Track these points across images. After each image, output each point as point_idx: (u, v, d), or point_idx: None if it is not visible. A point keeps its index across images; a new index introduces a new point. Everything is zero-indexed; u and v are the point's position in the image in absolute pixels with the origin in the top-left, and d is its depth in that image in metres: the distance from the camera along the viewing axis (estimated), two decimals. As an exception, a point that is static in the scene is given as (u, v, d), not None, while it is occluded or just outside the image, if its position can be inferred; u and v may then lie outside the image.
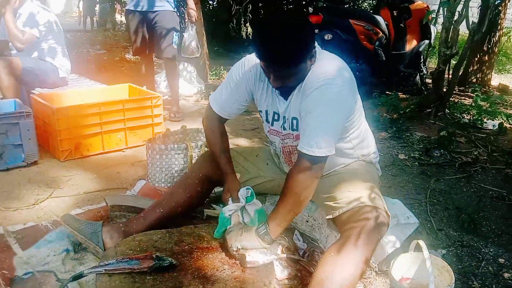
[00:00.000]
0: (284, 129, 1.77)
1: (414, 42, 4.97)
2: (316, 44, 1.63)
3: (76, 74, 4.09)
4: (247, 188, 1.79)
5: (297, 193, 1.54)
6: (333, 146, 1.57)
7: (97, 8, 14.24)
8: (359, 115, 1.79)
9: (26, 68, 3.33)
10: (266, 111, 1.80)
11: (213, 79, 5.73)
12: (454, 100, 4.91)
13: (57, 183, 2.53)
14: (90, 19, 13.59)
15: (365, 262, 1.46)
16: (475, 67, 6.10)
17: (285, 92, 1.68)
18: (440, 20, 4.40)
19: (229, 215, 1.76)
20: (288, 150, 1.83)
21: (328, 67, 1.61)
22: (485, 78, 6.12)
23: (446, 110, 4.15)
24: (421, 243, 1.48)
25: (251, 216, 1.77)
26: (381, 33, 4.81)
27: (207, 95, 4.88)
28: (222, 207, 1.83)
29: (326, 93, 1.54)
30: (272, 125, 1.81)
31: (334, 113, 1.56)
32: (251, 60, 1.77)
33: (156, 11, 3.72)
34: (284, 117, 1.74)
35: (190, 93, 4.91)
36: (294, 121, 1.71)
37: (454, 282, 1.47)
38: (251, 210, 1.78)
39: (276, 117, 1.78)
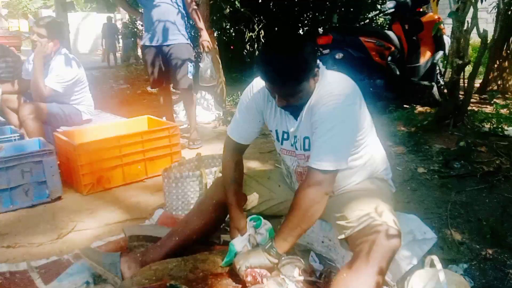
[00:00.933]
0: (296, 148, 1.79)
1: (428, 54, 4.94)
2: (320, 63, 1.68)
3: (99, 109, 4.25)
4: (251, 219, 1.82)
5: (305, 208, 1.56)
6: (344, 160, 1.60)
7: (120, 44, 14.83)
8: (370, 131, 1.80)
9: (51, 112, 3.47)
10: (276, 131, 1.84)
11: (231, 105, 5.83)
12: (474, 109, 4.82)
13: (79, 217, 2.62)
14: (113, 55, 14.14)
15: (380, 281, 1.44)
16: (495, 74, 5.99)
17: (294, 111, 1.72)
18: (449, 30, 4.37)
19: (241, 248, 1.77)
20: (300, 171, 1.85)
21: (334, 85, 1.65)
22: (507, 84, 5.99)
23: (465, 119, 4.07)
24: (434, 257, 1.46)
25: (264, 235, 1.79)
26: (393, 47, 4.81)
27: (225, 121, 4.96)
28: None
29: (334, 109, 1.59)
30: (282, 144, 1.85)
31: (343, 128, 1.59)
32: (259, 82, 1.83)
33: (170, 44, 3.86)
34: (295, 137, 1.77)
35: (208, 120, 5.01)
36: (306, 141, 1.73)
37: (472, 297, 1.43)
38: (263, 231, 1.80)
39: (285, 136, 1.81)
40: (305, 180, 1.62)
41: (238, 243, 1.77)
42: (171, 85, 4.24)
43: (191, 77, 3.94)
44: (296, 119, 1.74)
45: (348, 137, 1.63)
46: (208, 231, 2.02)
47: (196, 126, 4.13)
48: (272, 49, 1.61)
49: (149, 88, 7.50)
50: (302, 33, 8.73)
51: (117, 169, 3.09)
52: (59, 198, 2.87)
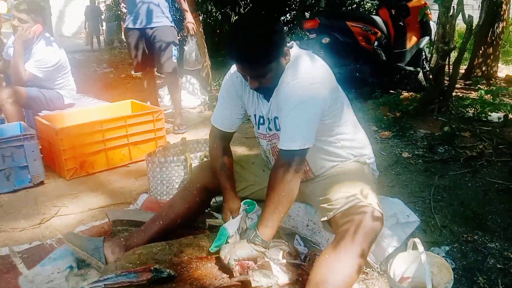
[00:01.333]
0: (270, 130, 1.80)
1: (414, 40, 4.94)
2: (294, 44, 1.67)
3: (81, 93, 4.17)
4: (244, 203, 1.81)
5: (278, 190, 1.56)
6: (309, 139, 1.59)
7: (104, 27, 14.53)
8: (345, 113, 1.79)
9: (30, 96, 3.38)
10: (254, 115, 1.84)
11: (217, 90, 5.78)
12: (459, 94, 4.86)
13: (62, 202, 2.58)
14: (97, 38, 13.86)
15: (361, 262, 1.45)
16: (480, 60, 6.04)
17: (266, 93, 1.73)
18: (435, 16, 4.37)
19: (233, 232, 1.75)
20: (277, 151, 1.83)
21: (301, 66, 1.65)
22: (491, 71, 6.05)
23: (450, 105, 4.10)
24: (417, 240, 1.47)
25: (254, 220, 1.78)
26: (379, 32, 4.80)
27: (211, 106, 4.92)
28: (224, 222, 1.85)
29: (295, 89, 1.59)
30: (258, 128, 1.85)
31: (304, 107, 1.59)
32: (235, 70, 1.82)
33: (154, 27, 3.78)
34: (268, 119, 1.78)
35: (193, 105, 4.96)
36: (277, 120, 1.74)
37: (453, 279, 1.45)
38: (255, 216, 1.80)
39: (261, 121, 1.81)
40: (275, 162, 1.63)
41: (230, 226, 1.76)
42: (155, 69, 4.18)
43: (175, 61, 3.88)
44: (268, 101, 1.75)
45: (311, 116, 1.60)
46: (192, 215, 2.01)
47: (181, 111, 4.09)
48: (239, 29, 1.62)
49: (133, 72, 7.39)
50: (287, 17, 8.65)
51: (101, 153, 3.05)
52: (41, 183, 2.83)
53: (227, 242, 1.70)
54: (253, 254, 1.57)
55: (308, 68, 1.65)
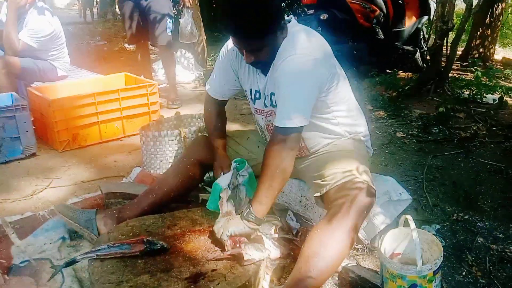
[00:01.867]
0: (266, 106, 1.78)
1: (413, 19, 4.89)
2: (292, 18, 1.66)
3: (74, 66, 4.10)
4: (235, 161, 1.82)
5: (273, 167, 1.54)
6: (305, 116, 1.57)
7: (97, -1, 14.18)
8: (342, 90, 1.77)
9: (24, 67, 3.32)
10: (250, 90, 1.83)
11: (212, 65, 5.71)
12: (455, 76, 4.85)
13: (55, 174, 2.57)
14: (90, 10, 13.56)
15: (352, 237, 1.46)
16: (477, 42, 6.01)
17: (263, 68, 1.70)
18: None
19: (226, 185, 1.75)
20: (272, 128, 1.82)
21: (298, 40, 1.62)
22: (488, 53, 6.03)
23: (446, 86, 4.10)
24: (408, 217, 1.48)
25: (246, 176, 1.78)
26: (378, 10, 4.74)
27: (205, 81, 4.85)
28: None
29: (292, 64, 1.56)
30: (254, 103, 1.83)
31: (301, 83, 1.57)
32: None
33: (148, -2, 3.70)
34: (264, 94, 1.76)
35: (188, 80, 4.90)
36: (273, 97, 1.72)
37: (443, 255, 1.47)
38: (246, 173, 1.80)
39: (257, 96, 1.80)
40: (270, 139, 1.61)
41: (223, 180, 1.77)
42: (149, 42, 4.10)
43: (170, 34, 3.81)
44: (266, 76, 1.73)
45: (307, 92, 1.58)
46: (185, 189, 2.01)
47: (175, 86, 4.04)
48: (234, 2, 1.58)
49: (126, 45, 7.28)
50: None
51: (94, 126, 3.02)
52: (33, 155, 2.80)
53: (220, 198, 1.69)
54: (246, 230, 1.56)
55: (305, 43, 1.62)
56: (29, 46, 3.27)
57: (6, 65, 3.21)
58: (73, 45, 6.96)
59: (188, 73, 4.98)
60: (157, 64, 4.97)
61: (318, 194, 1.67)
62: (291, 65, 1.56)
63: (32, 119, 2.84)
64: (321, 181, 1.67)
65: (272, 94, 1.71)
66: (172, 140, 2.41)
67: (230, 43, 1.81)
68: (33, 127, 2.81)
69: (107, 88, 3.22)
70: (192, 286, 1.37)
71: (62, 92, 3.21)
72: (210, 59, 5.79)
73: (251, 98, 1.84)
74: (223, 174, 1.81)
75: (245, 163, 1.84)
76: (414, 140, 3.10)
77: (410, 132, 3.25)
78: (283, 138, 1.55)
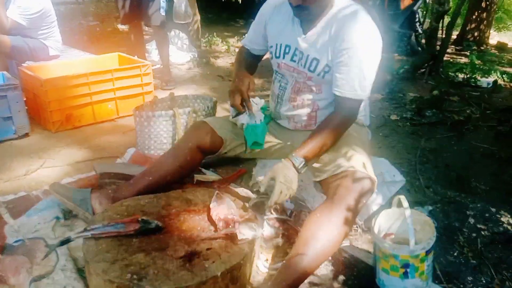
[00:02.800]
0: (298, 65, 1.77)
1: (409, 1, 4.85)
2: None
3: (66, 46, 4.03)
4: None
5: (335, 133, 1.64)
6: (370, 89, 1.69)
7: (88, -23, 13.89)
8: None
9: (15, 45, 3.27)
10: (280, 45, 1.81)
11: (206, 46, 5.65)
12: (450, 59, 4.84)
13: (48, 154, 2.55)
14: (82, -11, 13.28)
15: (348, 223, 1.48)
16: (473, 25, 5.99)
17: (307, 20, 1.70)
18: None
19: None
20: (298, 87, 1.83)
21: (361, 16, 1.63)
22: (483, 36, 6.02)
23: (440, 69, 4.09)
24: (402, 197, 1.49)
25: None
26: (374, -8, 4.70)
27: (200, 63, 4.82)
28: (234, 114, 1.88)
29: (366, 39, 1.61)
30: (283, 58, 1.81)
31: (372, 59, 1.64)
32: None
33: (142, -24, 3.63)
34: (301, 53, 1.75)
35: (182, 61, 4.85)
36: (314, 62, 1.72)
37: (435, 236, 1.49)
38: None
39: (287, 50, 1.79)
40: (338, 107, 1.68)
41: (244, 119, 1.85)
42: (143, 22, 4.04)
43: (163, 14, 3.75)
44: (304, 33, 1.72)
45: (375, 65, 1.66)
46: (182, 174, 1.99)
47: (169, 67, 4.00)
48: None
49: (119, 26, 7.16)
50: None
51: (87, 107, 2.99)
52: (26, 135, 2.78)
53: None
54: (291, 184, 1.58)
55: (369, 18, 1.64)
56: (18, 24, 3.21)
57: None
58: (65, 26, 6.82)
59: (182, 54, 4.93)
60: (150, 45, 4.90)
61: (317, 179, 1.67)
62: (366, 40, 1.61)
63: (25, 99, 2.80)
64: (321, 165, 1.67)
65: (315, 59, 1.71)
66: (167, 120, 2.39)
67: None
68: (26, 108, 2.78)
69: (100, 69, 3.18)
70: (187, 264, 1.38)
71: (54, 72, 3.16)
72: (205, 40, 5.72)
73: (278, 54, 1.83)
74: (248, 113, 1.84)
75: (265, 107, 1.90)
76: (408, 123, 3.11)
77: (404, 115, 3.26)
78: (354, 108, 1.67)
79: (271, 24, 1.85)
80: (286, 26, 1.78)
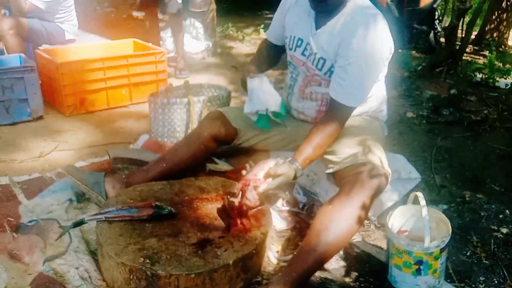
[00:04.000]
0: (307, 59, 1.77)
1: (429, -1, 4.78)
2: None
3: (82, 30, 4.04)
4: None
5: (329, 137, 1.63)
6: (365, 98, 1.71)
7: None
8: (384, 71, 1.79)
9: (32, 28, 3.28)
10: (293, 37, 1.81)
11: (221, 36, 5.63)
12: (468, 59, 4.77)
13: (62, 137, 2.56)
14: (98, -24, 13.31)
15: (361, 216, 1.46)
16: (492, 26, 5.87)
17: (322, 15, 1.69)
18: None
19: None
20: (308, 80, 1.82)
21: (371, 19, 1.60)
22: (502, 37, 5.89)
23: (459, 68, 4.03)
24: (419, 194, 1.47)
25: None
26: (394, -12, 4.63)
27: (214, 52, 4.80)
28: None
29: (371, 47, 1.59)
30: (294, 50, 1.81)
31: (374, 69, 1.65)
32: None
33: (160, -37, 3.62)
34: (311, 49, 1.74)
35: (196, 50, 4.82)
36: (321, 61, 1.72)
37: (450, 233, 1.47)
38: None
39: (299, 43, 1.79)
40: (329, 111, 1.68)
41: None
42: (159, 9, 4.02)
43: (180, 1, 3.73)
44: (316, 29, 1.71)
45: (375, 77, 1.67)
46: (195, 163, 1.99)
47: (183, 55, 3.99)
48: None
49: (134, 13, 7.15)
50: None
51: (101, 92, 3.00)
52: (40, 117, 2.80)
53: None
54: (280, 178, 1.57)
55: (379, 23, 1.61)
56: (36, 7, 3.22)
57: (14, 26, 3.17)
58: (80, 11, 6.84)
59: (197, 43, 4.90)
60: (165, 33, 4.88)
61: (330, 171, 1.66)
62: (371, 49, 1.59)
63: (40, 82, 2.82)
64: (335, 157, 1.66)
65: (321, 58, 1.71)
66: (181, 108, 2.39)
67: None
68: (41, 90, 2.79)
69: (116, 54, 3.18)
70: (199, 251, 1.38)
71: (70, 56, 3.18)
72: (220, 30, 5.69)
73: (291, 46, 1.83)
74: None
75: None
76: (424, 121, 3.07)
77: (421, 113, 3.21)
78: (343, 114, 1.65)
79: (289, 14, 1.84)
80: (302, 19, 1.77)
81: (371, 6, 1.67)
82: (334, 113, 1.65)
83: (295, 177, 1.60)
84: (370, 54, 1.59)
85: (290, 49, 1.84)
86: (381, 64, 1.66)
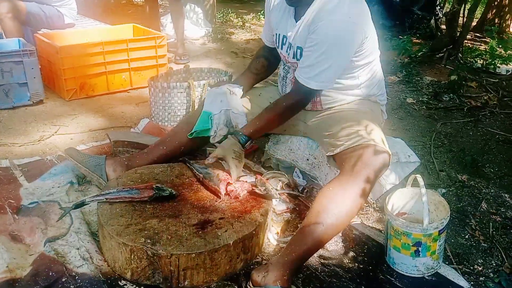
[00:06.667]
0: (289, 55, 1.77)
1: (430, -17, 4.74)
2: None
3: (81, 15, 4.01)
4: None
5: (282, 111, 1.71)
6: (332, 81, 1.66)
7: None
8: (371, 52, 1.75)
9: (30, 12, 3.26)
10: (278, 35, 1.81)
11: (220, 22, 5.59)
12: (468, 45, 4.74)
13: (62, 121, 2.56)
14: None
15: (362, 196, 1.46)
16: (494, 12, 5.83)
17: (298, 11, 1.68)
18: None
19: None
20: (292, 78, 1.80)
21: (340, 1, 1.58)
22: (504, 24, 5.86)
23: (459, 54, 4.01)
24: (418, 176, 1.48)
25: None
26: (395, -28, 4.59)
27: (215, 38, 4.78)
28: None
29: (332, 29, 1.57)
30: (281, 48, 1.81)
31: (337, 51, 1.60)
32: None
33: None
34: (290, 44, 1.73)
35: (196, 36, 4.80)
36: (299, 51, 1.70)
37: (449, 215, 1.48)
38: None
39: (284, 41, 1.78)
40: (292, 90, 1.72)
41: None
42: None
43: (180, -14, 3.70)
44: (296, 21, 1.69)
45: (340, 60, 1.64)
46: (196, 145, 1.99)
47: (183, 40, 3.97)
48: None
49: (135, -1, 7.11)
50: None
51: (101, 77, 2.99)
52: (40, 102, 2.79)
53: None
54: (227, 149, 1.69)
55: (347, 6, 1.58)
56: None
57: (12, 9, 3.15)
58: (79, -4, 6.81)
59: (197, 29, 4.88)
60: (165, 18, 4.85)
61: (331, 153, 1.66)
62: (330, 29, 1.56)
63: (39, 66, 2.81)
64: (335, 140, 1.66)
65: (299, 48, 1.69)
66: (181, 92, 2.39)
67: None
68: (40, 74, 2.78)
69: (115, 39, 3.16)
70: (200, 231, 1.39)
71: (69, 40, 3.16)
72: (219, 16, 5.66)
73: (278, 43, 1.83)
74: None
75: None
76: (424, 107, 3.07)
77: (420, 99, 3.21)
78: (304, 96, 1.69)
79: (273, 13, 1.83)
80: (283, 16, 1.77)
81: None
82: (296, 92, 1.69)
83: (242, 146, 1.69)
84: (334, 37, 1.57)
85: (278, 47, 1.85)
86: (348, 49, 1.62)
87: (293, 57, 1.74)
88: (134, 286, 1.36)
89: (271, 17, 1.84)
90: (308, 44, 1.62)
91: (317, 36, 1.58)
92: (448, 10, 4.31)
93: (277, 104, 1.71)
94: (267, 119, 1.72)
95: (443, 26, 5.07)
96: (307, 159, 2.05)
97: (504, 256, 1.62)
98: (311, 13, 1.63)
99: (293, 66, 1.78)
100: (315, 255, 1.51)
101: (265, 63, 1.98)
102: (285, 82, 1.89)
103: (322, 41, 1.57)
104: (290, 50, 1.75)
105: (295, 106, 1.70)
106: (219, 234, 1.39)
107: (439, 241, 1.47)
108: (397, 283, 1.47)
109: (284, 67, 1.90)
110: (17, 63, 2.64)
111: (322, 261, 1.54)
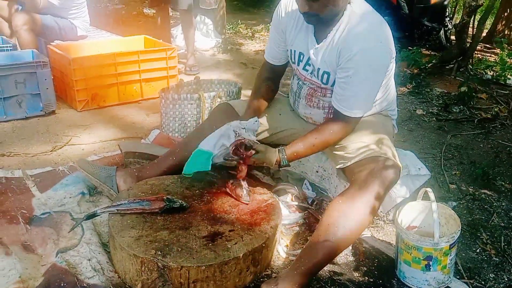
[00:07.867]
0: (311, 75, 1.75)
1: (440, -5, 4.74)
2: None
3: (93, 27, 4.08)
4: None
5: (326, 139, 1.64)
6: (371, 106, 1.69)
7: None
8: (391, 72, 1.76)
9: (45, 24, 3.32)
10: (294, 51, 1.78)
11: (230, 33, 5.64)
12: (478, 57, 4.73)
13: (74, 132, 2.60)
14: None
15: (372, 210, 1.46)
16: (503, 23, 5.82)
17: (318, 29, 1.66)
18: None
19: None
20: (313, 89, 1.80)
21: (369, 25, 1.57)
22: (513, 35, 5.85)
23: (469, 65, 4.00)
24: (429, 190, 1.48)
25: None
26: (404, -16, 4.61)
27: (224, 49, 4.82)
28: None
29: (369, 58, 1.55)
30: (298, 65, 1.79)
31: (375, 78, 1.61)
32: (286, 0, 1.78)
33: (171, -40, 3.63)
34: (313, 65, 1.71)
35: (206, 47, 4.85)
36: (325, 76, 1.69)
37: (460, 229, 1.47)
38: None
39: (301, 58, 1.76)
40: (335, 119, 1.67)
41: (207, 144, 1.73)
42: (170, 6, 4.05)
43: (191, -2, 3.75)
44: (318, 42, 1.67)
45: (379, 85, 1.65)
46: None
47: (194, 52, 4.01)
48: None
49: (145, 10, 7.20)
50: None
51: (113, 87, 3.03)
52: (53, 112, 2.83)
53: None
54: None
55: (377, 30, 1.57)
56: (50, 3, 3.26)
57: (28, 22, 3.21)
58: (90, 8, 6.89)
59: (207, 40, 4.93)
60: (175, 30, 4.91)
61: (341, 166, 1.66)
62: (367, 58, 1.54)
63: (52, 77, 2.85)
64: (345, 153, 1.66)
65: (326, 73, 1.67)
66: (192, 104, 2.41)
67: (283, 4, 1.78)
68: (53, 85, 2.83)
69: (127, 50, 3.21)
70: (210, 244, 1.40)
71: (82, 51, 3.21)
72: (229, 27, 5.71)
73: (293, 60, 1.80)
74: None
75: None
76: (434, 118, 3.06)
77: (430, 110, 3.20)
78: (348, 125, 1.64)
79: (288, 28, 1.78)
80: (300, 32, 1.73)
81: (369, 11, 1.62)
82: (339, 122, 1.64)
83: (279, 165, 1.64)
84: (369, 64, 1.55)
85: (293, 63, 1.82)
86: (382, 72, 1.62)
87: (317, 78, 1.72)
88: (144, 298, 1.36)
89: (286, 33, 1.79)
90: (344, 73, 1.59)
91: (354, 65, 1.55)
92: (457, 21, 4.30)
93: (325, 132, 1.64)
94: (311, 146, 1.64)
95: (453, 37, 5.06)
96: (316, 171, 2.06)
97: (516, 271, 1.60)
98: (338, 36, 1.60)
99: (312, 84, 1.76)
100: (325, 268, 1.51)
101: (272, 86, 1.94)
102: (298, 97, 1.88)
103: (360, 71, 1.56)
104: (311, 70, 1.72)
105: (342, 134, 1.66)
106: (229, 246, 1.39)
107: (450, 255, 1.46)
108: (408, 298, 1.46)
109: (298, 82, 1.87)
110: (30, 74, 2.69)
111: (332, 274, 1.54)
